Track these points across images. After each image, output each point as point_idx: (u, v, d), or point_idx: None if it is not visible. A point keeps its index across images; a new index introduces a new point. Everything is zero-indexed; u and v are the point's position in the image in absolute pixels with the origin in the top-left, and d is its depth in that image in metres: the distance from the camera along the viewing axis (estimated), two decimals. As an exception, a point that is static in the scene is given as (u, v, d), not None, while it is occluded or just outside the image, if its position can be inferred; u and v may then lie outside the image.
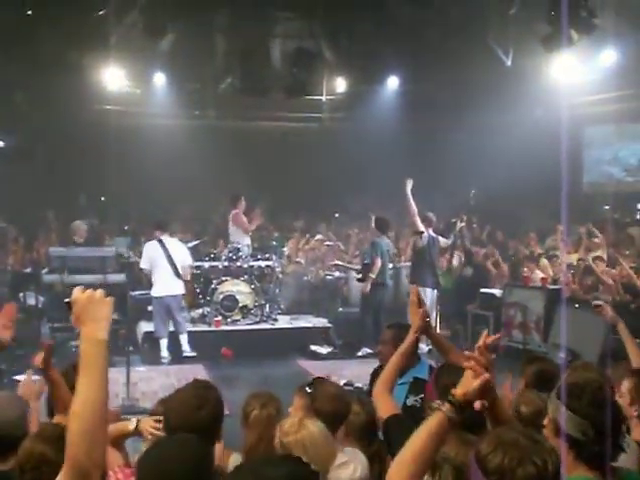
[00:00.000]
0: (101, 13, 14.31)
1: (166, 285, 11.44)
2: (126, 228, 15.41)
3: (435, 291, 12.11)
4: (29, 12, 13.73)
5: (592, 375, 2.81)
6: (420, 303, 3.86)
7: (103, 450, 2.26)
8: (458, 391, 2.53)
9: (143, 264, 11.57)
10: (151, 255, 11.47)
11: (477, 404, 2.48)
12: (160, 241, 11.52)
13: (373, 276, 12.13)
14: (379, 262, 12.10)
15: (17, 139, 17.23)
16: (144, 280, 12.45)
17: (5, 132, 17.03)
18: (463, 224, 13.25)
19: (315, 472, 1.91)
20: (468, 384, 2.53)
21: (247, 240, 13.21)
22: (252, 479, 1.85)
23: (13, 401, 3.63)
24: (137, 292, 12.36)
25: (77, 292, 2.35)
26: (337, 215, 18.77)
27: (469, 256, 13.92)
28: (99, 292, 2.36)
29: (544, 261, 12.88)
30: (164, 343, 11.44)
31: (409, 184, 11.56)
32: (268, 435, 3.72)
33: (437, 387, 3.79)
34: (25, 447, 3.11)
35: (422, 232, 11.90)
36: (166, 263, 11.42)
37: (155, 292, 11.47)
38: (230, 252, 12.74)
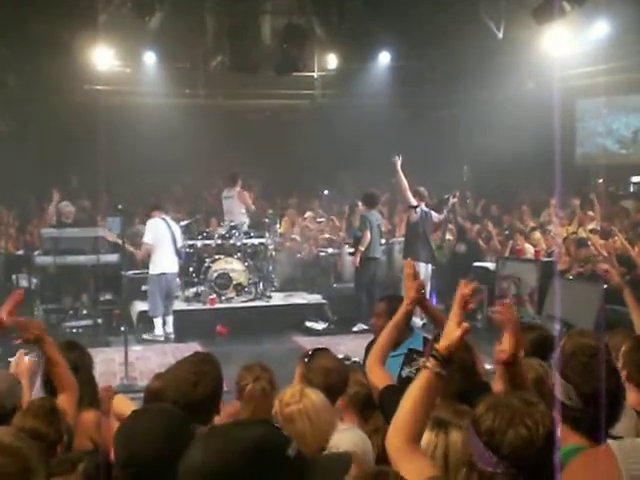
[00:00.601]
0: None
1: (169, 262, 11.51)
2: (120, 207, 15.27)
3: (429, 266, 12.14)
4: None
5: (587, 341, 2.79)
6: (415, 275, 3.85)
7: None
8: (441, 344, 2.54)
9: (147, 239, 11.51)
10: (155, 232, 11.47)
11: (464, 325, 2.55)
12: (164, 219, 11.59)
13: (362, 249, 12.14)
14: (368, 235, 12.11)
15: (9, 122, 17.12)
16: (139, 260, 12.43)
17: (-4, 115, 16.95)
18: (455, 200, 13.24)
19: (287, 437, 1.91)
20: (450, 336, 2.54)
21: (245, 218, 13.25)
22: (224, 441, 1.83)
23: (1, 375, 3.63)
24: (130, 272, 12.31)
25: None
26: (326, 192, 18.63)
27: (461, 232, 13.91)
28: None
29: (537, 234, 12.88)
30: (159, 322, 11.45)
31: (398, 161, 11.63)
32: (263, 408, 3.75)
33: None
34: (16, 424, 3.11)
35: (416, 206, 11.92)
36: (170, 241, 11.49)
37: (157, 269, 11.44)
38: (226, 230, 12.75)
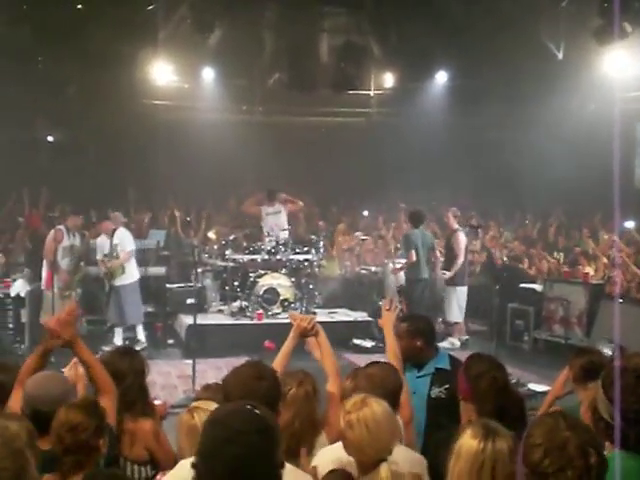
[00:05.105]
0: (150, 8, 14.44)
1: (137, 270, 11.78)
2: (188, 219, 15.30)
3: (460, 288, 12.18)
4: (79, 7, 13.94)
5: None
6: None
7: None
8: None
9: (132, 247, 11.68)
10: (131, 241, 11.72)
11: None
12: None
13: (398, 267, 12.54)
14: (414, 256, 12.02)
15: (66, 131, 17.47)
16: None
17: (55, 126, 17.28)
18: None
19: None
20: None
21: (287, 234, 13.28)
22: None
23: (56, 379, 3.65)
24: (175, 285, 12.34)
25: None
26: (365, 213, 18.24)
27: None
28: None
29: (604, 259, 12.60)
30: (141, 328, 11.63)
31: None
32: (304, 412, 3.78)
33: (468, 376, 3.71)
34: (59, 416, 3.25)
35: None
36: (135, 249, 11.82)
37: (136, 276, 11.63)
38: (272, 246, 12.75)
